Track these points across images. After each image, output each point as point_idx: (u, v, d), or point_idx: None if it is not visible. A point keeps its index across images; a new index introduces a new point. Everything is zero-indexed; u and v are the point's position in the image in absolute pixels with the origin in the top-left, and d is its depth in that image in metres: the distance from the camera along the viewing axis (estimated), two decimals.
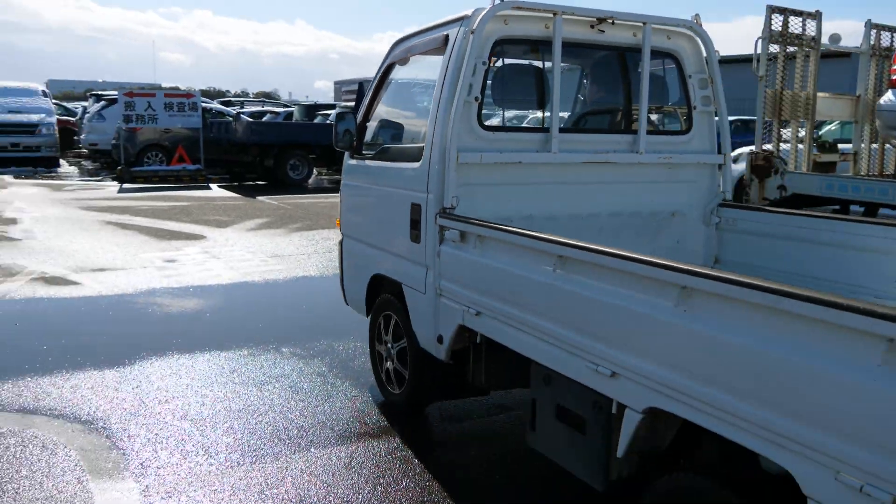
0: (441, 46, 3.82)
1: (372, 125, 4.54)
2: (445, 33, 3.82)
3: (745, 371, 1.92)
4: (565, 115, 4.56)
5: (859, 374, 1.66)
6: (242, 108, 31.36)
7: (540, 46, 3.90)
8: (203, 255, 8.69)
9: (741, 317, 1.96)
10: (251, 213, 12.44)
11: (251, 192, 15.73)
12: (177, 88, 20.07)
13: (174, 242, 9.49)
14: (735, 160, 12.67)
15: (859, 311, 1.65)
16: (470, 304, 3.30)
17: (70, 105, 34.23)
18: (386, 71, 4.46)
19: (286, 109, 30.36)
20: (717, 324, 2.03)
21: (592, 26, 3.92)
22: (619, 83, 4.31)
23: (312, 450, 3.86)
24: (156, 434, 4.01)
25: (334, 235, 9.47)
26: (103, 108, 20.82)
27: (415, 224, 3.77)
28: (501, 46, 3.80)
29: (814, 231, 3.72)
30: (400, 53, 4.35)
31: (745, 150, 12.45)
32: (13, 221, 10.83)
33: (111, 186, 16.39)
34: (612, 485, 2.58)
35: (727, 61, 36.48)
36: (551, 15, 3.75)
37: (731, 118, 28.17)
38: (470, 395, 4.15)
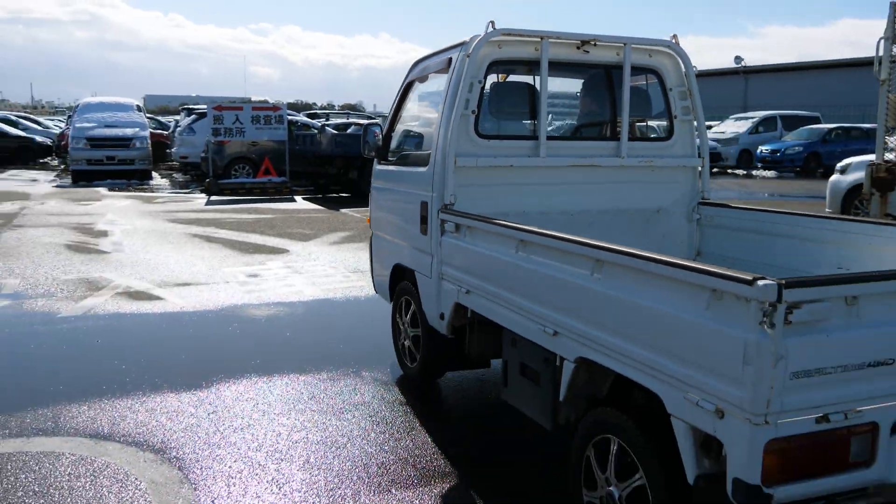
0: (445, 67, 4.46)
1: (395, 135, 5.21)
2: (449, 56, 4.45)
3: (632, 321, 2.52)
4: (566, 122, 5.37)
5: (695, 316, 2.23)
6: (328, 120, 31.68)
7: (532, 66, 4.42)
8: (285, 270, 8.55)
9: (630, 279, 2.56)
10: (335, 225, 12.33)
11: (335, 205, 15.70)
12: (265, 102, 20.33)
13: (257, 256, 9.41)
14: (843, 171, 11.81)
15: (692, 269, 2.26)
16: (462, 284, 3.91)
17: (165, 119, 35.47)
18: (406, 88, 5.12)
19: (371, 121, 30.60)
20: (615, 286, 2.62)
21: (578, 47, 4.47)
22: (606, 96, 4.76)
23: (394, 490, 3.53)
24: (229, 467, 3.76)
25: None
26: (194, 121, 21.32)
27: (423, 219, 4.38)
28: (496, 67, 4.40)
29: (779, 226, 4.19)
30: (417, 73, 5.01)
31: (857, 159, 11.56)
32: (104, 234, 11.01)
33: (199, 199, 16.66)
34: (560, 427, 3.18)
35: (821, 67, 34.63)
36: (539, 39, 4.31)
37: (831, 126, 26.73)
38: (470, 367, 4.76)
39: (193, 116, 21.68)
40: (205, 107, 21.02)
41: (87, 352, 5.60)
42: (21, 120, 34.45)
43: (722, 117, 35.80)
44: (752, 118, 29.93)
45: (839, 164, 11.83)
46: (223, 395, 4.73)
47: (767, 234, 4.25)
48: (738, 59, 49.88)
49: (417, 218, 4.47)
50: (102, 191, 17.86)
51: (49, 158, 29.12)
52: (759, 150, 27.01)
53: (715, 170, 27.56)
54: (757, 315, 2.04)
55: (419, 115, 5.22)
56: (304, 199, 16.91)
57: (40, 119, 40.31)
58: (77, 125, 20.77)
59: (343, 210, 14.59)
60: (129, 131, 20.56)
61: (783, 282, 2.01)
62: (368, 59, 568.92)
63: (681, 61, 4.69)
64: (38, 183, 19.98)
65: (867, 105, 37.98)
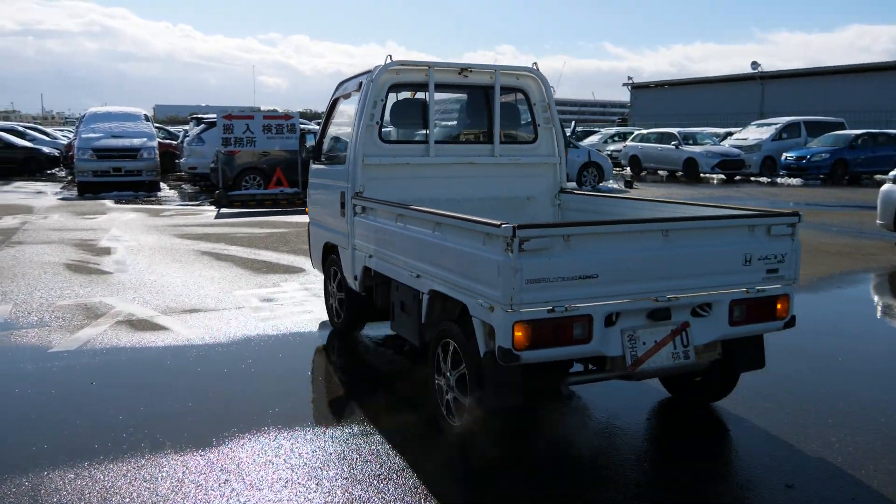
0: (358, 89, 5.65)
1: (325, 140, 6.45)
2: (360, 80, 5.65)
3: (451, 259, 3.88)
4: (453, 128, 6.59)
5: (492, 254, 3.46)
6: None
7: (426, 87, 5.62)
8: (303, 293, 7.79)
9: (449, 232, 3.92)
10: None
11: None
12: (275, 111, 19.64)
13: (271, 277, 8.65)
14: None
15: (472, 221, 3.69)
16: (367, 251, 5.13)
17: (173, 129, 34.89)
18: (333, 103, 6.40)
19: (308, 130, 29.88)
20: (443, 238, 3.97)
21: (460, 73, 5.67)
22: (484, 110, 5.94)
23: None
24: None
25: None
26: (203, 131, 20.63)
27: (342, 205, 5.56)
28: (396, 89, 5.60)
29: (616, 207, 5.35)
30: (340, 92, 6.24)
31: None
32: (107, 251, 10.28)
33: (209, 211, 15.95)
34: (424, 343, 4.46)
35: (840, 72, 33.69)
36: (427, 67, 5.53)
37: (857, 132, 25.88)
38: (378, 319, 5.77)
39: (203, 126, 20.99)
40: (214, 116, 20.36)
41: (79, 397, 4.84)
42: (28, 131, 33.94)
43: (741, 123, 34.98)
44: (774, 124, 29.03)
45: (892, 173, 11.05)
46: (238, 456, 3.95)
47: (607, 213, 5.40)
48: (754, 64, 49.00)
49: (338, 204, 5.68)
50: (108, 203, 17.17)
51: (56, 169, 28.55)
52: (783, 158, 26.13)
53: (738, 178, 26.72)
54: (503, 245, 3.35)
55: (341, 124, 6.24)
56: None
57: (48, 130, 39.84)
58: (83, 136, 20.11)
59: None
60: (136, 142, 19.88)
61: (516, 225, 3.29)
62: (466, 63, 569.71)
63: (542, 83, 5.95)
64: (43, 195, 19.33)
65: (889, 110, 37.19)
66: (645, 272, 3.67)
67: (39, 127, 40.81)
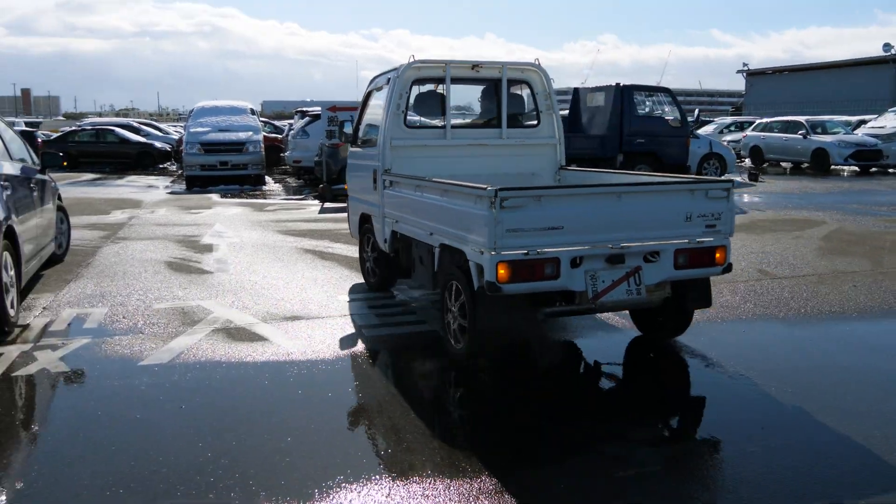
0: (386, 84, 6.71)
1: (361, 127, 7.37)
2: (388, 76, 6.72)
3: (453, 217, 4.92)
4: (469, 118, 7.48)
5: (479, 210, 4.47)
6: None
7: (444, 81, 6.67)
8: (415, 302, 7.01)
9: (452, 197, 5.01)
10: None
11: None
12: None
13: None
14: None
15: (466, 186, 4.79)
16: (395, 218, 6.26)
17: (280, 123, 35.21)
18: (367, 95, 7.40)
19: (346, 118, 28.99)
20: (447, 201, 5.06)
21: (472, 68, 6.72)
22: (494, 100, 6.91)
23: None
24: None
25: None
26: (307, 124, 20.36)
27: (374, 180, 6.62)
28: (419, 82, 6.69)
29: (597, 179, 6.57)
30: (372, 86, 7.26)
31: None
32: (209, 249, 9.86)
33: (312, 206, 15.53)
34: (437, 286, 5.63)
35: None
36: (444, 64, 6.60)
37: None
38: (406, 276, 6.70)
39: (307, 119, 20.73)
40: (318, 109, 20.05)
41: (165, 425, 4.19)
42: (143, 126, 35.03)
43: (871, 111, 32.14)
44: None
45: None
46: None
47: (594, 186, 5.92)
48: (887, 46, 45.22)
49: (371, 180, 6.66)
50: (214, 197, 17.06)
51: (168, 164, 29.19)
52: None
53: (873, 170, 24.37)
54: (488, 203, 4.39)
55: (374, 113, 7.02)
56: None
57: (162, 125, 41.13)
58: (191, 130, 20.21)
59: None
60: (242, 135, 19.78)
61: (498, 188, 4.37)
62: (477, 60, 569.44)
63: (543, 76, 6.88)
64: (153, 189, 19.51)
65: None
66: (602, 226, 4.71)
67: (153, 123, 42.20)
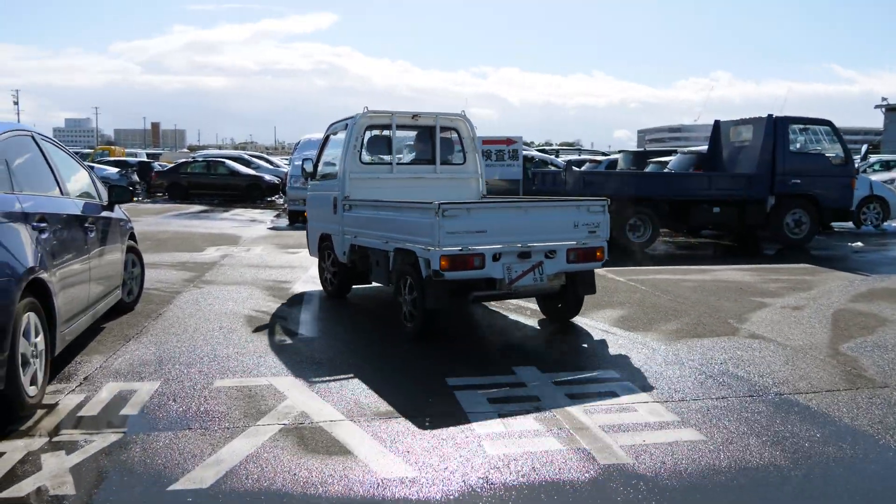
0: (344, 129, 8.40)
1: (320, 164, 9.17)
2: (346, 122, 8.38)
3: (407, 225, 6.69)
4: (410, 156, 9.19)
5: (427, 219, 6.20)
6: (557, 156, 28.68)
7: (391, 127, 8.38)
8: (553, 388, 5.24)
9: (403, 212, 6.99)
10: (599, 296, 8.86)
11: None
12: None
13: (505, 349, 6.22)
14: None
15: (416, 203, 6.92)
16: (352, 234, 7.91)
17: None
18: (326, 137, 9.13)
19: (608, 158, 27.03)
20: (400, 215, 7.00)
21: (412, 118, 8.43)
22: (429, 142, 8.68)
23: None
24: None
25: (753, 356, 5.64)
26: None
27: (335, 206, 8.29)
28: (370, 128, 8.40)
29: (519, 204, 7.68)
30: (330, 130, 9.04)
31: None
32: (298, 302, 8.45)
33: None
34: (391, 283, 7.13)
35: None
36: (390, 114, 8.28)
37: None
38: (362, 283, 8.57)
39: None
40: None
41: None
42: (254, 159, 34.97)
43: None
44: None
45: None
46: None
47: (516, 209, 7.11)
48: None
49: (332, 206, 8.38)
50: None
51: (276, 197, 28.72)
52: None
53: None
54: (433, 213, 6.03)
55: (333, 153, 8.84)
56: None
57: (273, 158, 41.22)
58: (295, 162, 19.25)
59: (597, 270, 11.09)
60: None
61: (441, 202, 6.06)
62: (585, 97, 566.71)
63: (468, 124, 8.70)
64: (256, 224, 18.65)
65: None
66: (515, 231, 6.44)
67: (264, 156, 42.42)
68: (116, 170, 30.55)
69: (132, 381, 5.32)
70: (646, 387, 5.23)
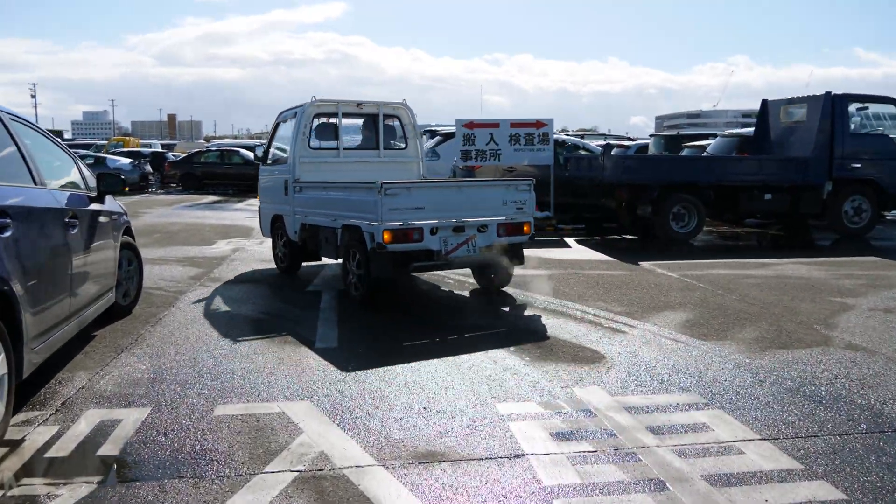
0: (293, 117, 9.10)
1: (270, 150, 9.93)
2: (295, 111, 9.06)
3: (353, 204, 7.44)
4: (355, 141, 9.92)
5: (371, 197, 6.90)
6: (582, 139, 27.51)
7: (336, 115, 9.17)
8: (628, 417, 4.27)
9: (351, 191, 7.76)
10: (652, 294, 7.91)
11: (625, 254, 11.28)
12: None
13: (561, 366, 5.25)
14: None
15: (361, 183, 7.58)
16: (303, 213, 8.54)
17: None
18: (276, 126, 9.97)
19: (636, 143, 25.87)
20: (348, 195, 7.76)
21: (357, 106, 9.25)
22: (373, 129, 9.42)
23: None
24: None
25: (844, 372, 4.65)
26: (437, 144, 17.99)
27: (286, 188, 8.90)
28: (318, 116, 9.10)
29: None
30: (281, 118, 9.71)
31: None
32: (314, 303, 7.51)
33: None
34: (340, 256, 7.85)
35: None
36: (336, 103, 9.09)
37: None
38: (310, 260, 9.21)
39: (438, 138, 18.38)
40: (452, 126, 17.71)
41: None
42: None
43: None
44: None
45: None
46: None
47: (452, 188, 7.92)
48: None
49: (283, 188, 8.98)
50: None
51: None
52: None
53: None
54: (377, 192, 6.76)
55: (283, 139, 9.51)
56: (577, 241, 12.71)
57: None
58: None
59: (643, 264, 10.12)
60: None
61: (383, 181, 6.81)
62: (599, 84, 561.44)
63: (409, 112, 9.44)
64: None
65: None
66: (450, 207, 7.12)
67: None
68: (129, 160, 29.78)
69: (117, 408, 4.41)
70: (745, 417, 4.24)
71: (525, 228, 7.41)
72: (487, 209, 7.27)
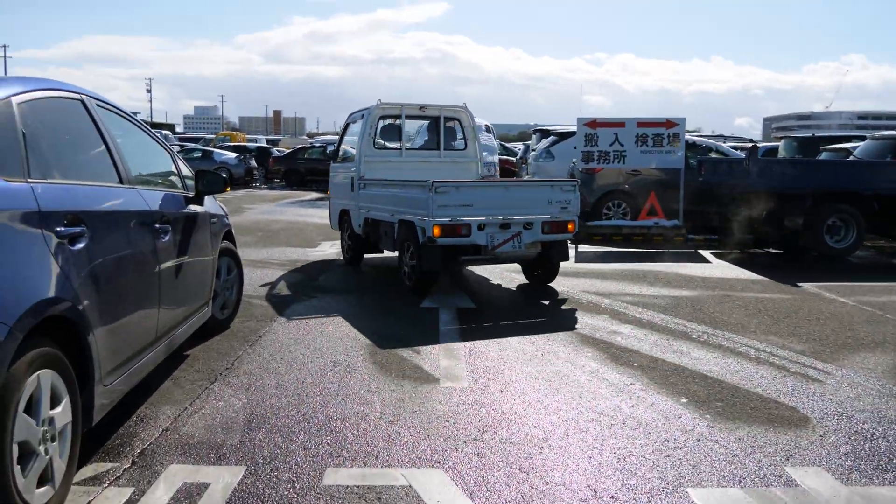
0: (361, 118, 9.66)
1: (341, 148, 10.51)
2: (362, 113, 9.66)
3: (406, 200, 7.96)
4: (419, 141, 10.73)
5: (423, 195, 7.38)
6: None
7: (400, 117, 9.74)
8: None
9: (409, 188, 8.05)
10: (833, 328, 6.56)
11: (774, 271, 9.84)
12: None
13: (756, 430, 4.08)
14: None
15: (418, 181, 7.84)
16: (366, 208, 9.03)
17: (510, 145, 32.34)
18: (345, 126, 10.69)
19: (765, 145, 23.85)
20: (404, 193, 8.14)
21: (420, 109, 9.74)
22: (436, 130, 9.95)
23: None
24: None
25: None
26: (552, 144, 16.90)
27: (352, 185, 9.44)
28: (384, 117, 9.65)
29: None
30: (350, 119, 10.36)
31: None
32: (433, 325, 6.56)
33: None
34: (398, 249, 8.28)
35: None
36: (401, 106, 9.59)
37: None
38: (372, 252, 9.64)
39: (553, 138, 17.26)
40: (573, 126, 16.52)
41: None
42: None
43: None
44: None
45: None
46: None
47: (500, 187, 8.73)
48: None
49: (350, 185, 9.52)
50: None
51: None
52: None
53: None
54: (427, 190, 7.27)
55: (351, 138, 10.04)
56: (714, 255, 11.30)
57: None
58: None
59: (804, 286, 8.68)
60: None
61: (434, 180, 7.35)
62: (703, 84, 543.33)
63: (469, 114, 9.92)
64: None
65: None
66: (497, 205, 7.55)
67: None
68: (235, 155, 29.94)
69: (205, 465, 3.54)
70: None
71: (569, 227, 7.80)
72: (533, 207, 7.69)
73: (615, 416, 4.28)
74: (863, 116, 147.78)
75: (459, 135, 10.08)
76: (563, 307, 7.38)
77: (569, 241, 13.34)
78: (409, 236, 7.71)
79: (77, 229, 3.24)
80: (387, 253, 9.30)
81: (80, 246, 3.24)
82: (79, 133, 3.82)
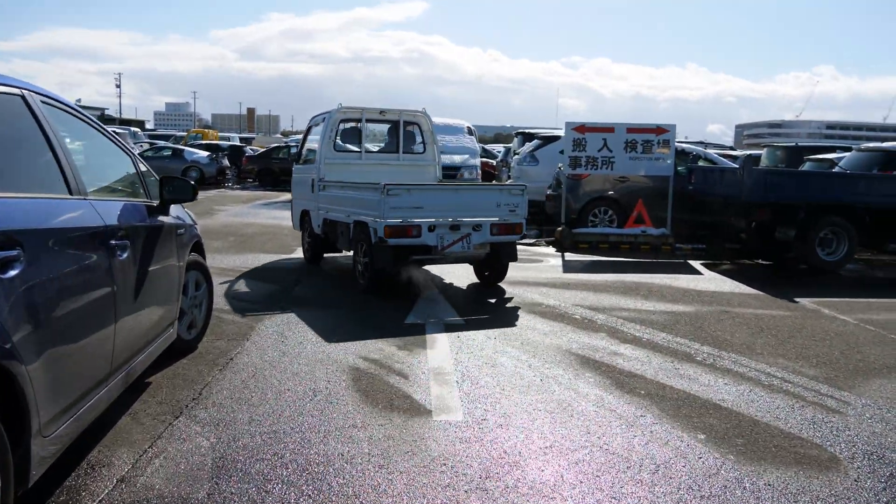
0: (322, 121, 9.92)
1: (304, 150, 10.68)
2: (324, 116, 9.92)
3: (358, 201, 8.28)
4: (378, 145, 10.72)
5: (375, 196, 7.64)
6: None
7: (360, 121, 10.03)
8: None
9: (362, 191, 8.24)
10: (841, 350, 6.20)
11: (767, 284, 9.51)
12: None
13: (785, 473, 3.66)
14: None
15: (369, 184, 8.28)
16: (325, 209, 9.25)
17: (490, 147, 31.95)
18: (308, 129, 10.90)
19: (744, 154, 23.69)
20: (355, 194, 8.46)
21: (380, 113, 10.08)
22: (395, 134, 10.26)
23: None
24: None
25: None
26: (537, 148, 16.48)
27: (313, 186, 9.64)
28: (344, 122, 9.92)
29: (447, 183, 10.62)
30: (311, 122, 10.68)
31: None
32: (419, 343, 6.08)
33: (550, 257, 11.55)
34: (350, 248, 8.63)
35: None
36: (361, 110, 9.95)
37: None
38: (331, 252, 10.06)
39: (536, 142, 16.85)
40: (550, 129, 16.16)
41: None
42: None
43: None
44: None
45: None
46: None
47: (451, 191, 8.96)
48: None
49: (310, 186, 9.74)
50: None
51: None
52: None
53: None
54: (380, 192, 7.52)
55: (313, 141, 10.29)
56: (705, 266, 10.96)
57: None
58: None
59: (801, 301, 8.34)
60: (457, 158, 16.11)
61: (385, 183, 7.60)
62: (678, 90, 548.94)
63: (428, 119, 10.25)
64: None
65: None
66: (447, 208, 7.87)
67: None
68: (206, 153, 29.16)
69: None
70: None
71: (517, 229, 8.08)
72: (482, 210, 8.01)
73: (630, 458, 3.84)
74: (831, 126, 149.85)
75: (419, 139, 10.37)
76: (557, 323, 6.94)
77: (555, 250, 13.30)
78: (362, 236, 7.92)
79: (11, 252, 2.72)
80: (345, 252, 9.65)
81: (14, 273, 2.72)
82: (17, 135, 3.27)
